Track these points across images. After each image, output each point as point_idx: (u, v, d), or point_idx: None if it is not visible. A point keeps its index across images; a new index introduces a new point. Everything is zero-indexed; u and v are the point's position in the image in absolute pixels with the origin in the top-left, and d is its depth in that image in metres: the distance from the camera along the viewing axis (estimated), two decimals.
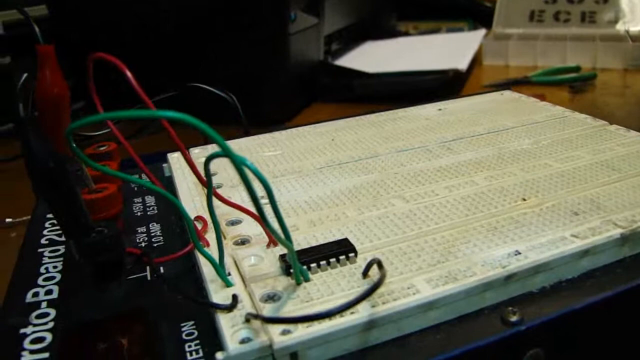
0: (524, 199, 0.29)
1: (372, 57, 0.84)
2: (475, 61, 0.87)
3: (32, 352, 0.23)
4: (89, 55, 0.25)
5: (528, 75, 0.78)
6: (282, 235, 0.21)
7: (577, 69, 0.81)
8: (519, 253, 0.25)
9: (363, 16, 0.95)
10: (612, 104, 0.67)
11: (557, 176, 0.32)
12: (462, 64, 0.74)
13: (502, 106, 0.45)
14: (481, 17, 1.05)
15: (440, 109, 0.46)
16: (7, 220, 0.48)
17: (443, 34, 1.03)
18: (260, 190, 0.20)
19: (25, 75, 0.26)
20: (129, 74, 0.23)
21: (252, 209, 0.20)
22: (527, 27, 0.89)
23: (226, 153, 0.17)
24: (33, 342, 0.24)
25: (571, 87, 0.74)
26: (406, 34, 1.07)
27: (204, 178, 0.22)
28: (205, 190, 0.24)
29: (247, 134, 0.45)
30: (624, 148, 0.35)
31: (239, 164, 0.17)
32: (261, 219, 0.19)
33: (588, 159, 0.34)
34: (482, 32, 0.96)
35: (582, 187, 0.30)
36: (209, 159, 0.20)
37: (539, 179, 0.32)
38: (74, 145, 0.21)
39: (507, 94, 0.49)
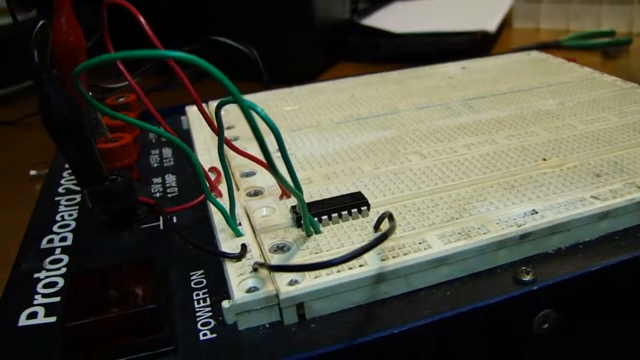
0: (545, 159, 0.29)
1: (399, 17, 0.82)
2: (505, 23, 0.85)
3: (44, 295, 0.24)
4: (103, 1, 0.25)
5: (559, 39, 0.76)
6: (292, 184, 0.21)
7: (611, 33, 0.78)
8: (536, 212, 0.24)
9: None
10: None
11: (581, 137, 0.31)
12: (491, 26, 0.72)
13: (528, 66, 0.44)
14: None
15: (463, 68, 0.45)
16: (32, 172, 0.48)
17: None
18: (273, 144, 0.19)
19: (41, 22, 0.26)
20: (142, 19, 0.23)
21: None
22: None
23: (234, 97, 0.17)
24: (46, 286, 0.24)
25: (604, 52, 0.72)
26: None
27: (216, 126, 0.22)
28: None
29: (267, 87, 0.45)
30: None
31: (245, 108, 0.17)
32: (269, 166, 0.19)
33: (614, 121, 0.33)
34: None
35: (605, 149, 0.29)
36: (220, 105, 0.20)
37: (562, 139, 0.31)
38: (84, 90, 0.21)
39: (534, 54, 0.47)
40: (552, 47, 0.74)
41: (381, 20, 0.79)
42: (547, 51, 0.58)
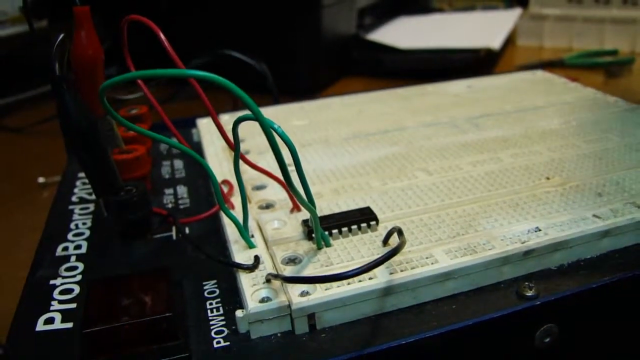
0: (548, 178, 0.29)
1: (404, 33, 0.83)
2: (509, 41, 0.86)
3: (60, 302, 0.24)
4: (123, 17, 0.26)
5: (562, 57, 0.77)
6: (305, 199, 0.22)
7: (614, 52, 0.79)
8: (539, 230, 0.25)
9: None
10: None
11: (584, 157, 0.32)
12: (495, 43, 0.73)
13: (533, 86, 0.45)
14: None
15: (469, 86, 0.46)
16: (40, 180, 0.49)
17: (478, 11, 1.02)
18: (286, 158, 0.20)
19: (61, 35, 0.27)
20: (162, 36, 0.24)
21: (278, 175, 0.21)
22: (564, 7, 0.87)
23: (255, 116, 0.18)
24: (62, 293, 0.25)
25: (607, 71, 0.73)
26: (440, 10, 1.06)
27: (232, 141, 0.22)
28: (233, 155, 0.24)
29: (277, 101, 0.46)
30: None
31: (267, 127, 0.18)
32: (286, 182, 0.19)
33: (616, 141, 0.34)
34: (517, 11, 0.94)
35: (608, 169, 0.30)
36: (238, 121, 0.21)
37: (565, 158, 0.32)
38: (107, 103, 0.21)
39: (539, 73, 0.48)
40: (555, 65, 0.75)
41: (386, 35, 0.80)
42: (551, 69, 0.59)
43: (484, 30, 0.83)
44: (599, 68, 0.74)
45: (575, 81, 0.46)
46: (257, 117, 0.18)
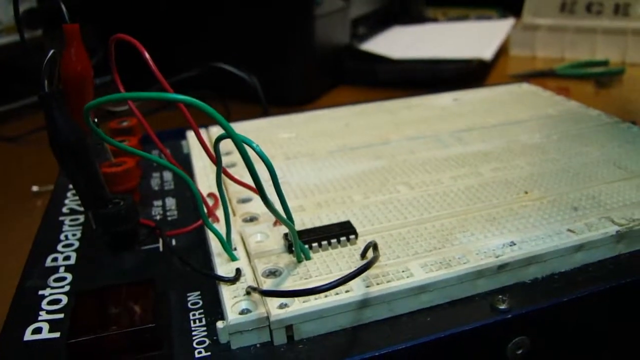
0: (526, 192, 0.30)
1: (398, 43, 0.84)
2: (502, 50, 0.87)
3: (48, 312, 0.25)
4: (110, 37, 0.26)
5: (554, 67, 0.78)
6: (283, 215, 0.22)
7: (605, 63, 0.80)
8: (514, 244, 0.25)
9: (391, 1, 0.95)
10: (638, 101, 0.67)
11: (563, 171, 0.32)
12: (487, 54, 0.74)
13: (518, 99, 0.46)
14: (511, 5, 1.04)
15: (455, 99, 0.46)
16: (34, 188, 0.50)
17: (471, 21, 1.03)
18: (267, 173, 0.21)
19: (52, 51, 0.28)
20: (147, 55, 0.25)
21: None
22: (557, 17, 0.87)
23: (229, 134, 0.19)
24: (50, 303, 0.26)
25: (597, 81, 0.73)
26: (434, 20, 1.07)
27: (214, 156, 0.23)
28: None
29: (266, 113, 0.47)
30: (634, 146, 0.35)
31: (241, 146, 0.19)
32: (262, 198, 0.20)
33: (596, 155, 0.34)
34: (510, 21, 0.95)
35: (585, 184, 0.31)
36: (218, 140, 0.22)
37: (544, 173, 0.32)
38: (92, 122, 0.22)
39: (525, 86, 0.49)
40: (547, 75, 0.76)
41: (380, 45, 0.81)
42: (542, 79, 0.60)
43: (477, 40, 0.83)
44: (590, 78, 0.75)
45: (565, 91, 0.47)
46: (232, 137, 0.19)
